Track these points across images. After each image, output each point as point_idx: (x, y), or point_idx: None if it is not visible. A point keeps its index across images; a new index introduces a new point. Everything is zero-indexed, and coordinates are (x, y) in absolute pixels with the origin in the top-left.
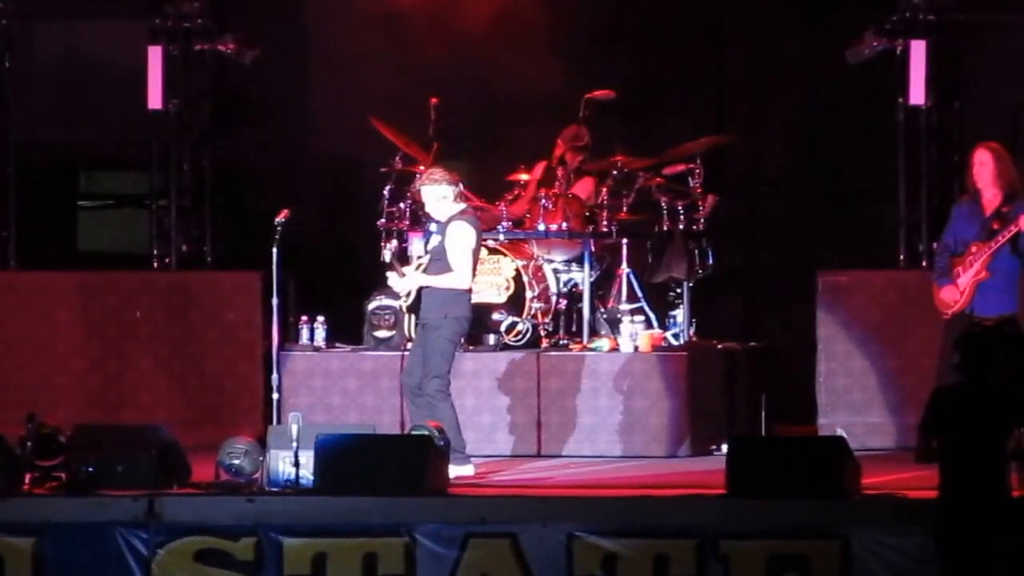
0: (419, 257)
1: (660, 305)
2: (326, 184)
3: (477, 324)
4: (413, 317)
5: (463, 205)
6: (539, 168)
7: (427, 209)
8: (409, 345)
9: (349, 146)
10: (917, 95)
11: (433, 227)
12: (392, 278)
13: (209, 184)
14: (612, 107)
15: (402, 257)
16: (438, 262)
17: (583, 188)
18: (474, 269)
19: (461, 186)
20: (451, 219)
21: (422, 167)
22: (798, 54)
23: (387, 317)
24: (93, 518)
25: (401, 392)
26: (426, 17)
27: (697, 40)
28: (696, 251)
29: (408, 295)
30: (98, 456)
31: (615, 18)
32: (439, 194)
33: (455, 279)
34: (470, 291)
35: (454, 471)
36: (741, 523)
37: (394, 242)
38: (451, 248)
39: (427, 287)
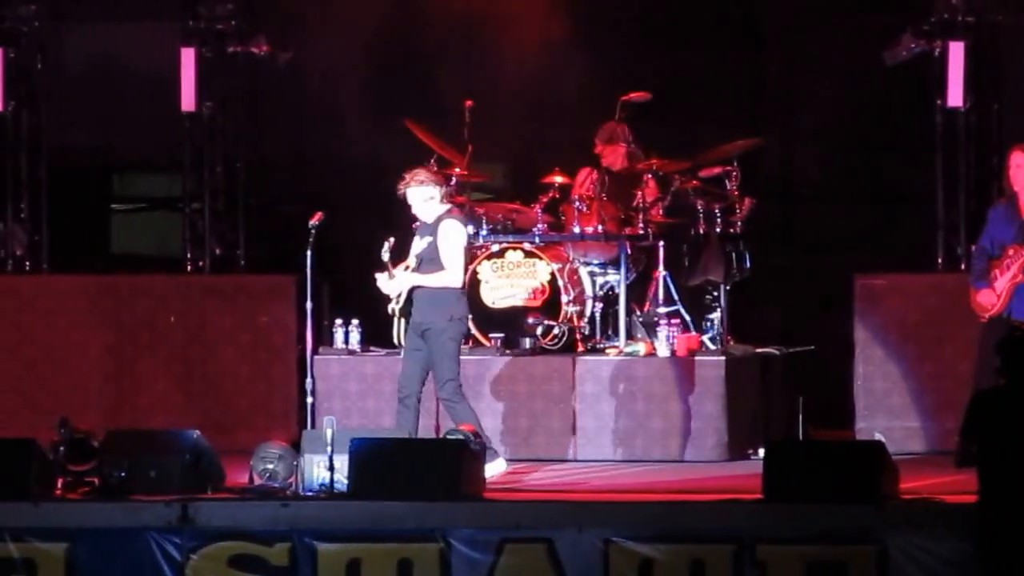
0: (408, 261)
1: (697, 309)
2: (360, 186)
3: (513, 327)
4: (403, 321)
5: (448, 205)
6: (582, 174)
7: (414, 211)
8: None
9: (383, 148)
10: (955, 97)
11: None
12: (381, 280)
13: (242, 187)
14: (648, 109)
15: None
16: (429, 263)
17: (649, 191)
18: (465, 268)
19: (445, 187)
20: (440, 219)
21: (456, 169)
22: (835, 55)
23: None
24: (126, 523)
25: (436, 396)
26: (460, 18)
27: (733, 41)
28: (733, 254)
29: (399, 297)
30: (131, 461)
31: (650, 19)
32: (426, 195)
33: (448, 277)
34: (465, 289)
35: (489, 470)
36: (778, 528)
37: (392, 240)
38: (444, 247)
39: (420, 290)
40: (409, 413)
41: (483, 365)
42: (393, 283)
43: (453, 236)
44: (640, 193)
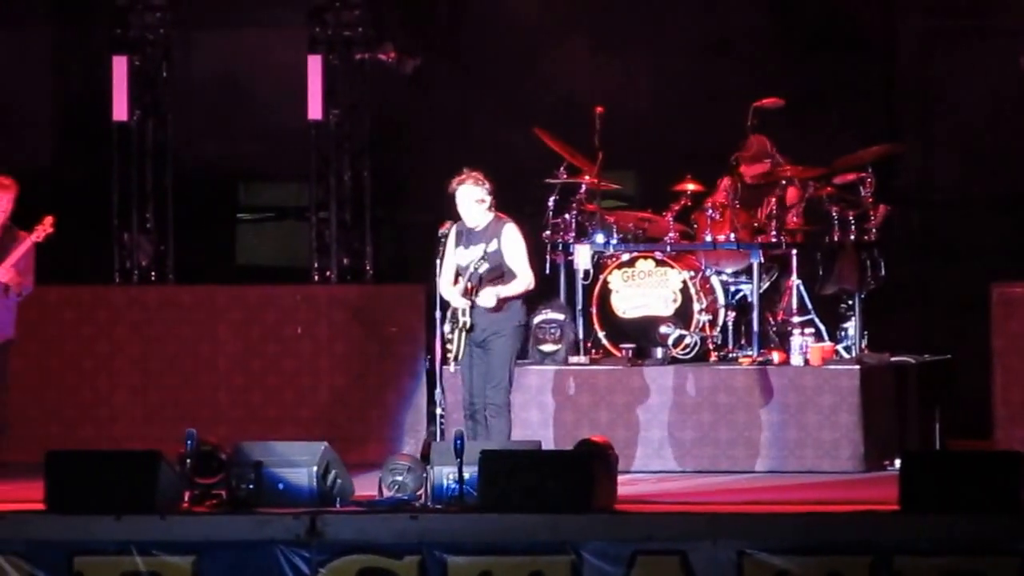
0: (469, 268)
1: (831, 317)
2: None
3: (644, 337)
4: (465, 336)
5: (494, 212)
6: (723, 183)
7: (461, 211)
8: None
9: (512, 156)
10: None
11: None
12: (455, 295)
13: (369, 196)
14: (781, 115)
15: None
16: (495, 270)
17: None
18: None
19: (494, 195)
20: (496, 224)
21: (587, 177)
22: (971, 60)
23: (552, 331)
24: (253, 536)
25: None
26: (587, 25)
27: (868, 47)
28: (868, 262)
29: (467, 311)
30: (258, 473)
31: (784, 25)
32: (477, 195)
33: (528, 283)
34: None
35: None
36: (915, 539)
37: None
38: (514, 253)
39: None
40: (481, 427)
41: (614, 376)
42: (484, 296)
43: (521, 241)
44: (774, 201)
